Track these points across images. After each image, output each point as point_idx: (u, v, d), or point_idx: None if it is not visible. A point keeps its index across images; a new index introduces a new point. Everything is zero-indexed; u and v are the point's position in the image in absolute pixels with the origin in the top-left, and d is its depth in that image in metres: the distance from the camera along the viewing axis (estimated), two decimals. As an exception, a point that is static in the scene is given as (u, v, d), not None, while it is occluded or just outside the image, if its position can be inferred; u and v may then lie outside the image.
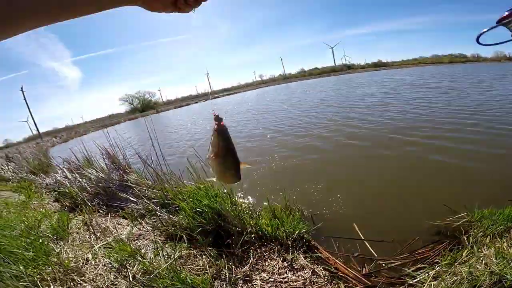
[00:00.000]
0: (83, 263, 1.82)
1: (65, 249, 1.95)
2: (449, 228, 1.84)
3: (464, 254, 1.41)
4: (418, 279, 1.37)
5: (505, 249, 1.29)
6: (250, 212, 2.50)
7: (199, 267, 1.85)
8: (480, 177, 2.81)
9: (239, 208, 2.40)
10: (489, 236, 1.51)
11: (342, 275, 1.58)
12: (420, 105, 7.25)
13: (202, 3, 0.56)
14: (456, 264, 1.34)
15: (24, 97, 48.64)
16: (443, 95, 8.65)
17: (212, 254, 1.98)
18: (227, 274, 1.77)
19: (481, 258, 1.30)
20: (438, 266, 1.40)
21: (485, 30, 1.19)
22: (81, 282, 1.61)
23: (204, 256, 1.97)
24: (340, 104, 10.12)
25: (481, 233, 1.57)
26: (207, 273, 1.76)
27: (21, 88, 48.33)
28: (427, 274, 1.35)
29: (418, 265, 1.53)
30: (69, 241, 2.15)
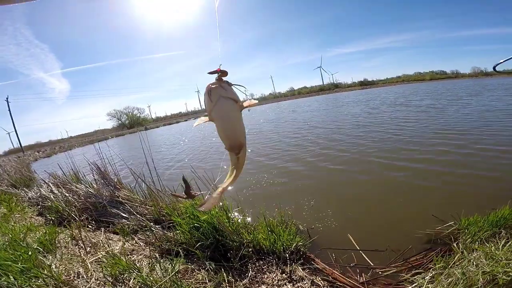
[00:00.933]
0: (74, 276, 1.75)
1: (55, 263, 1.87)
2: (439, 236, 1.93)
3: (456, 258, 1.49)
4: (416, 283, 1.42)
5: (493, 251, 1.38)
6: (247, 227, 2.51)
7: (198, 281, 1.82)
8: (460, 192, 2.98)
9: (236, 223, 2.40)
10: (477, 242, 1.60)
11: (341, 284, 1.61)
12: (401, 125, 7.59)
13: None
14: (449, 267, 1.41)
15: (9, 108, 46.91)
16: (423, 114, 9.14)
17: (211, 268, 1.95)
18: (227, 287, 1.75)
19: (471, 261, 1.38)
20: (433, 271, 1.47)
21: (502, 61, 1.38)
22: None
23: (202, 270, 1.94)
24: (326, 125, 10.44)
25: (470, 239, 1.66)
26: (207, 286, 1.73)
27: (7, 98, 46.75)
28: (423, 279, 1.40)
29: (414, 271, 1.59)
30: (58, 255, 2.06)
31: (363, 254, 1.96)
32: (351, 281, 1.62)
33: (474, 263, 1.37)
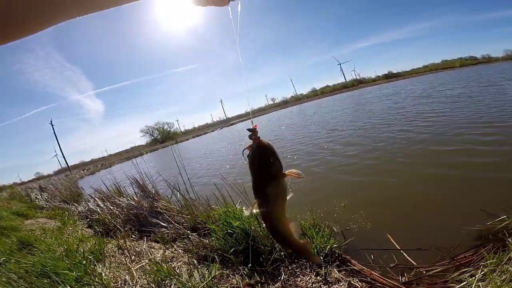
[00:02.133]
0: (121, 283, 1.89)
1: (104, 271, 2.04)
2: (491, 231, 1.76)
3: (511, 254, 1.34)
4: (465, 282, 1.31)
5: None
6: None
7: (233, 285, 1.87)
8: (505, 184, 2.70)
9: (268, 227, 2.43)
10: None
11: (380, 285, 1.54)
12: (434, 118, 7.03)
13: None
14: (502, 263, 1.28)
15: (54, 131, 51.57)
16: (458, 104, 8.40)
17: (245, 272, 1.99)
18: (261, 291, 1.77)
19: None
20: (484, 268, 1.34)
21: None
22: None
23: (237, 275, 1.99)
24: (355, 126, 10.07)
25: None
26: (242, 291, 1.77)
27: (51, 121, 51.40)
28: (473, 277, 1.29)
29: (462, 270, 1.47)
30: (106, 264, 2.24)
31: (404, 253, 1.85)
32: (392, 282, 1.54)
33: None
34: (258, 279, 1.89)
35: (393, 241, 2.01)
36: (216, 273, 2.00)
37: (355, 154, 5.29)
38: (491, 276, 1.22)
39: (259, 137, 0.48)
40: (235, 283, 1.91)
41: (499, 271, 1.25)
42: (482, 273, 1.31)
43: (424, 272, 1.61)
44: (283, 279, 1.88)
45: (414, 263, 1.72)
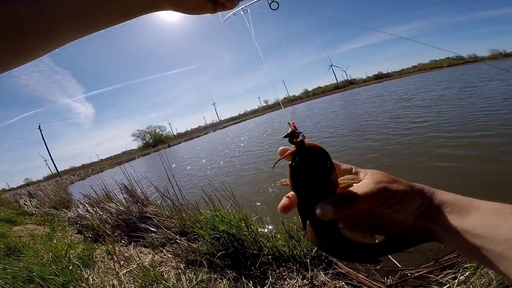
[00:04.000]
0: (109, 289, 1.90)
1: (92, 276, 2.04)
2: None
3: None
4: (447, 285, 1.35)
5: None
6: (266, 234, 2.55)
7: (220, 289, 1.89)
8: (491, 184, 2.80)
9: (255, 231, 2.45)
10: None
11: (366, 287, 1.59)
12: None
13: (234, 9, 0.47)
14: (482, 267, 1.33)
15: (42, 136, 50.14)
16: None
17: (232, 277, 2.02)
18: (248, 295, 1.80)
19: None
20: (465, 271, 1.39)
21: None
22: None
23: (224, 279, 2.01)
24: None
25: None
26: (229, 295, 1.79)
27: (39, 126, 49.77)
28: (455, 279, 1.34)
29: (446, 272, 1.51)
30: (95, 269, 2.24)
31: (389, 256, 1.91)
32: (378, 284, 1.57)
33: None
34: (245, 283, 1.92)
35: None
36: (204, 278, 2.02)
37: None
38: (471, 280, 1.28)
39: (302, 137, 0.33)
40: (222, 287, 1.93)
41: (479, 274, 1.30)
42: (464, 275, 1.36)
43: (409, 274, 1.64)
44: (270, 283, 1.91)
45: (400, 266, 1.74)
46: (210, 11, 0.45)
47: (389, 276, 1.69)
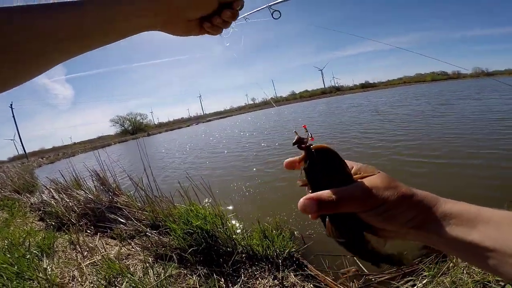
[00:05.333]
0: (69, 279, 1.78)
1: (51, 266, 1.90)
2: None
3: (448, 265, 1.47)
4: None
5: None
6: (241, 232, 2.53)
7: (189, 285, 1.84)
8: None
9: (231, 228, 2.42)
10: None
11: None
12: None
13: (232, 23, 0.50)
14: (439, 275, 1.40)
15: (13, 115, 47.72)
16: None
17: (203, 273, 1.97)
18: (217, 293, 1.77)
19: (463, 268, 1.36)
20: (424, 279, 1.45)
21: None
22: None
23: (194, 275, 1.96)
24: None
25: None
26: (197, 292, 1.75)
27: (11, 104, 47.47)
28: (414, 286, 1.40)
29: (407, 278, 1.58)
30: (55, 259, 2.09)
31: (356, 260, 1.95)
32: None
33: (465, 271, 1.35)
34: (216, 280, 1.88)
35: None
36: (173, 273, 1.96)
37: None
38: (429, 287, 1.33)
39: (310, 138, 0.36)
40: (191, 283, 1.88)
41: (435, 283, 1.36)
42: (422, 283, 1.42)
43: (372, 279, 1.70)
44: (242, 281, 1.89)
45: (365, 270, 1.80)
46: (196, 35, 0.50)
47: (354, 280, 1.74)
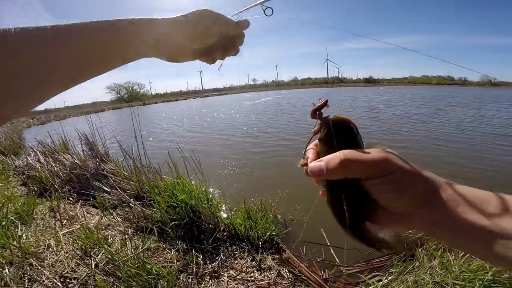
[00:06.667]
0: (44, 248, 1.76)
1: (26, 234, 1.87)
2: (407, 240, 1.94)
3: (415, 265, 1.52)
4: (372, 286, 1.46)
5: (451, 261, 1.40)
6: (225, 209, 2.53)
7: (167, 259, 1.85)
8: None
9: (215, 206, 2.40)
10: (440, 250, 1.63)
11: (305, 278, 1.65)
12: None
13: (227, 58, 0.52)
14: (404, 273, 1.44)
15: None
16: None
17: (182, 248, 1.98)
18: (194, 269, 1.78)
19: (427, 269, 1.41)
20: (391, 275, 1.51)
21: None
22: (39, 267, 1.55)
23: (173, 250, 1.97)
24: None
25: (434, 246, 1.68)
26: (174, 265, 1.76)
27: None
28: (380, 282, 1.44)
29: (374, 273, 1.63)
30: (32, 227, 2.06)
31: (332, 250, 1.99)
32: (315, 276, 1.66)
33: (428, 272, 1.39)
34: (195, 256, 1.89)
35: (325, 236, 2.14)
36: (152, 246, 1.95)
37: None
38: (392, 284, 1.37)
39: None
40: (169, 257, 1.88)
41: (399, 280, 1.40)
42: (388, 279, 1.46)
43: (343, 271, 1.75)
44: (220, 259, 1.91)
45: (338, 261, 1.86)
46: (189, 61, 0.51)
47: (326, 270, 1.80)
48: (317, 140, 0.38)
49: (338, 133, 0.34)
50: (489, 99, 18.14)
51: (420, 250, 1.66)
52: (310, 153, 0.38)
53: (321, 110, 0.37)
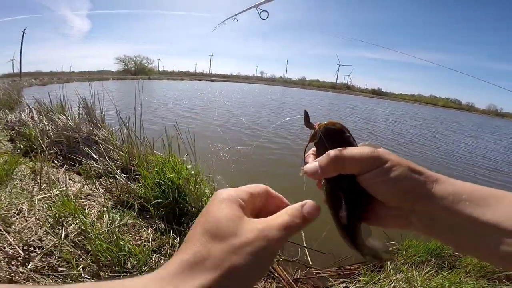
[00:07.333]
0: (15, 212, 1.69)
1: (0, 195, 1.81)
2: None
3: (382, 276, 1.54)
4: None
5: (414, 276, 1.43)
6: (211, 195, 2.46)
7: (142, 238, 1.80)
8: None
9: (202, 189, 2.34)
10: (408, 264, 1.66)
11: (277, 275, 1.65)
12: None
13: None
14: (370, 283, 1.46)
15: (22, 38, 47.93)
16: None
17: (160, 228, 1.93)
18: (169, 250, 1.74)
19: (392, 282, 1.43)
20: (358, 283, 1.52)
21: None
22: (4, 232, 1.48)
23: (150, 228, 1.92)
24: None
25: (403, 260, 1.72)
26: (148, 245, 1.71)
27: (24, 29, 47.50)
28: None
29: (342, 280, 1.64)
30: (9, 187, 1.99)
31: (307, 252, 1.99)
32: (287, 275, 1.66)
33: (393, 285, 1.42)
34: (172, 238, 1.85)
35: (303, 237, 2.11)
36: (129, 222, 1.91)
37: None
38: None
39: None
40: (145, 235, 1.84)
41: None
42: (355, 286, 1.45)
43: (314, 273, 1.76)
44: (198, 245, 1.87)
45: (310, 263, 1.87)
46: None
47: (298, 271, 1.80)
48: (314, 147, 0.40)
49: (329, 136, 0.36)
50: (489, 129, 18.15)
51: (388, 263, 1.67)
52: (309, 159, 0.38)
53: (310, 121, 0.38)
